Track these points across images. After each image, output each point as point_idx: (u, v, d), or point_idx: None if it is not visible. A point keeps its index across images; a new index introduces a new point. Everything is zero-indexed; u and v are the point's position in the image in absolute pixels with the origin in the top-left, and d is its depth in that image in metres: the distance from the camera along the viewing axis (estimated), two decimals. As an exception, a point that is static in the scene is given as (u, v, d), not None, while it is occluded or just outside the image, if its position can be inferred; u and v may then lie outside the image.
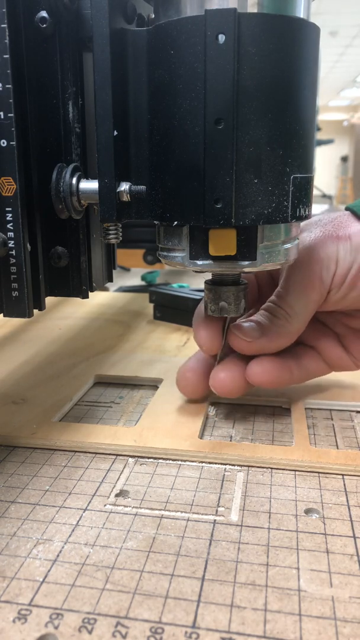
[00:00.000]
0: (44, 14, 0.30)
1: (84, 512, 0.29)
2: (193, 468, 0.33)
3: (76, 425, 0.37)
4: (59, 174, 0.32)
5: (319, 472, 0.32)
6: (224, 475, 0.32)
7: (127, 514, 0.29)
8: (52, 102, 0.32)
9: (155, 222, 0.32)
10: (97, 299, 0.72)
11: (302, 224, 0.39)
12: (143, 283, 0.87)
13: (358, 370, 0.41)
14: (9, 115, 0.30)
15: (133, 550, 0.26)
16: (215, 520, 0.28)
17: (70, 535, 0.27)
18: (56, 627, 0.22)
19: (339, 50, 6.17)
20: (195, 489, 0.31)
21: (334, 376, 0.42)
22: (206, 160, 0.28)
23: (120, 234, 0.33)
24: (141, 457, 0.34)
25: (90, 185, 0.32)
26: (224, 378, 0.37)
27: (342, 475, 0.32)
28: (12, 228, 0.31)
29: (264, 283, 0.42)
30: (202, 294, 0.41)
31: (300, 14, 0.29)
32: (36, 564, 0.25)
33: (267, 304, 0.38)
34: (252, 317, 0.38)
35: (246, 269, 0.32)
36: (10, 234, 0.31)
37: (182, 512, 0.29)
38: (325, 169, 9.68)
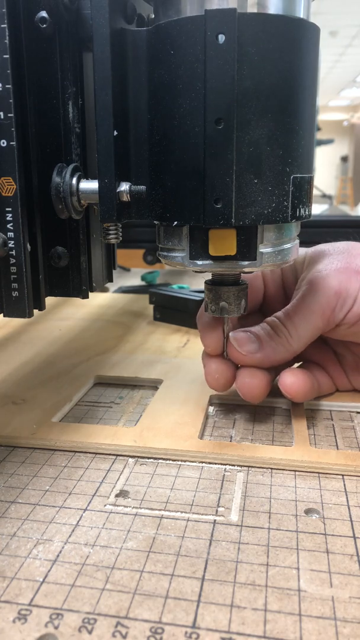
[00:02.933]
0: (44, 14, 0.30)
1: (84, 512, 0.29)
2: (193, 468, 0.33)
3: (76, 426, 0.37)
4: (59, 174, 0.32)
5: (319, 473, 0.32)
6: (224, 475, 0.32)
7: (127, 514, 0.29)
8: (52, 102, 0.32)
9: (155, 222, 0.32)
10: (97, 300, 0.72)
11: (323, 249, 0.40)
12: (143, 283, 0.87)
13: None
14: (9, 115, 0.30)
15: (133, 550, 0.26)
16: (215, 520, 0.28)
17: (70, 536, 0.27)
18: (56, 627, 0.22)
19: (339, 50, 6.17)
20: (195, 489, 0.31)
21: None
22: (206, 160, 0.28)
23: (120, 234, 0.33)
24: (141, 457, 0.34)
25: (90, 185, 0.32)
26: (250, 382, 0.37)
27: (342, 475, 0.32)
28: (12, 228, 0.31)
29: (272, 290, 0.42)
30: (202, 295, 0.41)
31: (300, 14, 0.29)
32: (36, 564, 0.25)
33: (272, 319, 0.38)
34: (252, 329, 0.38)
35: (246, 269, 0.32)
36: (10, 234, 0.31)
37: (182, 512, 0.29)
38: (325, 169, 9.68)
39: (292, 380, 0.37)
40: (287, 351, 0.37)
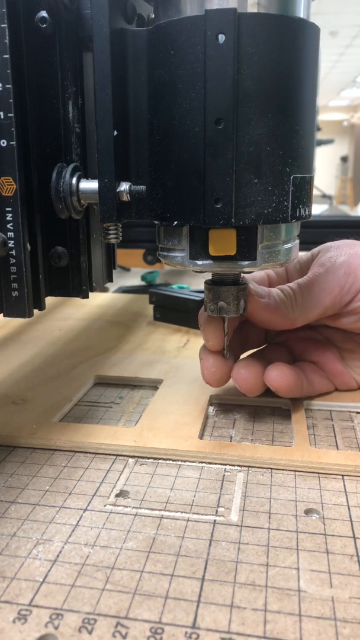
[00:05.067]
0: (44, 14, 0.30)
1: (84, 512, 0.29)
2: (193, 468, 0.33)
3: (76, 426, 0.37)
4: (59, 174, 0.32)
5: (319, 473, 0.32)
6: (224, 475, 0.32)
7: (127, 514, 0.29)
8: (52, 102, 0.32)
9: (155, 222, 0.32)
10: (97, 300, 0.72)
11: (330, 245, 0.41)
12: (143, 283, 0.87)
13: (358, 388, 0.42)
14: (9, 115, 0.30)
15: (133, 550, 0.26)
16: (215, 520, 0.28)
17: (70, 536, 0.27)
18: (56, 628, 0.22)
19: (339, 50, 6.16)
20: (195, 489, 0.31)
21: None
22: (206, 160, 0.28)
23: (120, 234, 0.33)
24: (141, 457, 0.34)
25: (90, 185, 0.32)
26: (246, 374, 0.38)
27: (342, 475, 0.32)
28: (12, 228, 0.31)
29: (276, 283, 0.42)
30: (202, 295, 0.41)
31: (300, 13, 0.29)
32: (36, 564, 0.25)
33: (283, 286, 0.39)
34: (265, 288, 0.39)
35: (246, 269, 0.32)
36: (10, 234, 0.31)
37: (182, 512, 0.29)
38: (325, 169, 9.68)
39: (276, 374, 0.38)
40: (287, 317, 0.38)
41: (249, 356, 0.40)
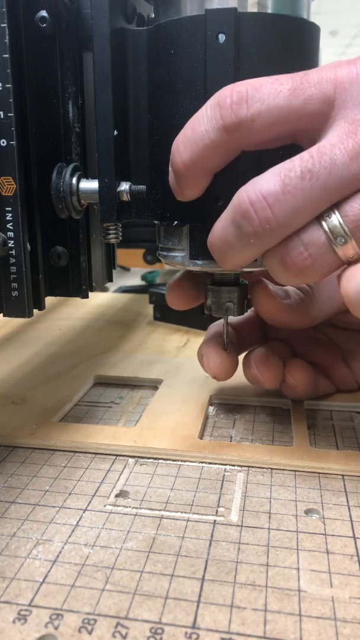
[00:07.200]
0: (43, 13, 0.30)
1: (83, 512, 0.29)
2: (193, 468, 0.33)
3: (76, 426, 0.37)
4: (59, 174, 0.32)
5: (319, 473, 0.32)
6: (224, 475, 0.32)
7: (127, 514, 0.29)
8: (52, 102, 0.32)
9: (155, 222, 0.32)
10: (97, 299, 0.72)
11: None
12: (143, 283, 0.87)
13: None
14: (9, 115, 0.30)
15: (133, 550, 0.26)
16: (215, 520, 0.28)
17: (70, 536, 0.27)
18: (56, 628, 0.22)
19: (339, 50, 6.15)
20: (195, 489, 0.31)
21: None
22: (206, 160, 0.28)
23: (120, 233, 0.33)
24: (141, 457, 0.34)
25: (90, 185, 0.32)
26: (269, 365, 0.37)
27: (342, 475, 0.32)
28: (12, 228, 0.31)
29: None
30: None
31: (301, 13, 0.29)
32: (36, 564, 0.25)
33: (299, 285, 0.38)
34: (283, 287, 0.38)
35: (246, 269, 0.32)
36: (10, 233, 0.31)
37: (182, 512, 0.29)
38: (325, 169, 9.67)
39: (298, 369, 0.38)
40: (308, 316, 0.37)
41: (260, 349, 0.39)
